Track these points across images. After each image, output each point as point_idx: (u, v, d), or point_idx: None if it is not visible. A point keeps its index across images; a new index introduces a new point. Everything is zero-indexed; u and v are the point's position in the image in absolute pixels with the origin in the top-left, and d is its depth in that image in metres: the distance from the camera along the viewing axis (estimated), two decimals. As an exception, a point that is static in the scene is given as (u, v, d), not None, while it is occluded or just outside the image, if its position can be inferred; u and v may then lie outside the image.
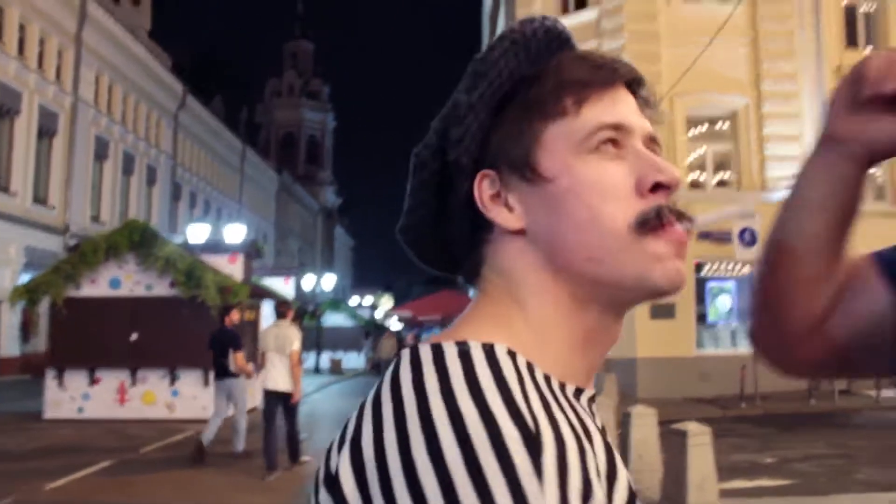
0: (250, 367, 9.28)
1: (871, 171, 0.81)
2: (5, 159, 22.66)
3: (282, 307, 8.43)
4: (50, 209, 24.79)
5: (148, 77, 31.74)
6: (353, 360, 31.98)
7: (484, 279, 0.69)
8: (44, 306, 12.77)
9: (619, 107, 0.68)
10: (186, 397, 12.69)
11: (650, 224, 0.63)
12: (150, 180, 32.69)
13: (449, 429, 0.51)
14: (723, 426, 10.21)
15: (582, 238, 0.64)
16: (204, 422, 9.81)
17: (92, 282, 12.61)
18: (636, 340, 15.39)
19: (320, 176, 70.75)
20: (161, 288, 12.57)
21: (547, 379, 0.61)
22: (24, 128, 23.30)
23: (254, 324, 14.04)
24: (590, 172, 0.64)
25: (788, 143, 16.84)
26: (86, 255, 12.43)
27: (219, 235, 15.02)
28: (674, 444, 5.71)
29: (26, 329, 21.87)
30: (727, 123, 17.84)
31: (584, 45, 0.71)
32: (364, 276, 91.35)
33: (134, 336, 12.45)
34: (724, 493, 6.07)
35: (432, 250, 0.75)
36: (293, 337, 8.05)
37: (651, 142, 0.69)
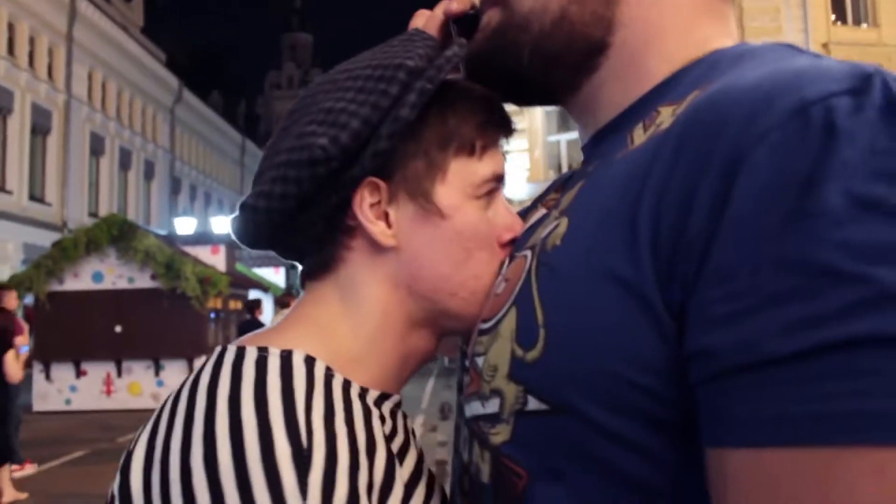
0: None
1: None
2: (0, 158, 22.81)
3: (284, 297, 8.60)
4: (47, 206, 24.94)
5: (142, 73, 31.78)
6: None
7: (323, 283, 0.69)
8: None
9: (501, 157, 0.71)
10: (172, 387, 12.69)
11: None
12: (149, 175, 32.78)
13: (227, 439, 0.52)
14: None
15: (453, 274, 0.67)
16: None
17: (75, 276, 12.72)
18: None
19: (323, 167, 70.67)
20: (143, 280, 12.67)
21: (346, 386, 0.61)
22: (18, 126, 23.40)
23: (240, 312, 14.14)
24: (474, 218, 0.67)
25: (774, 121, 16.74)
26: (66, 249, 12.54)
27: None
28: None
29: (27, 323, 22.09)
30: (713, 102, 17.75)
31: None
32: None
33: (118, 328, 12.56)
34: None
35: (269, 234, 0.70)
36: None
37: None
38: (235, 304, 14.13)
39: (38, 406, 12.66)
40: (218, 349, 0.61)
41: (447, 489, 0.72)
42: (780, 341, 0.40)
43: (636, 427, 0.47)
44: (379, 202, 0.66)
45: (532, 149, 18.71)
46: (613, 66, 0.63)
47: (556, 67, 0.64)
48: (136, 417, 11.48)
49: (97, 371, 12.79)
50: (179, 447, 0.53)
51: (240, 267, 16.74)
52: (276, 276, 19.11)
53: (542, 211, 0.69)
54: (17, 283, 12.48)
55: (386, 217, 0.67)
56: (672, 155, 0.48)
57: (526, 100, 0.71)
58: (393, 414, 0.68)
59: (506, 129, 0.71)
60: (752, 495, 0.41)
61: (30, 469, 7.39)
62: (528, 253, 0.59)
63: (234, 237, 0.73)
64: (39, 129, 24.71)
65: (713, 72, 0.56)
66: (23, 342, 6.86)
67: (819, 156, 0.41)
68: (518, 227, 0.70)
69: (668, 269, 0.46)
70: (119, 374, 12.83)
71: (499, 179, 0.69)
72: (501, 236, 0.69)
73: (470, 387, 0.62)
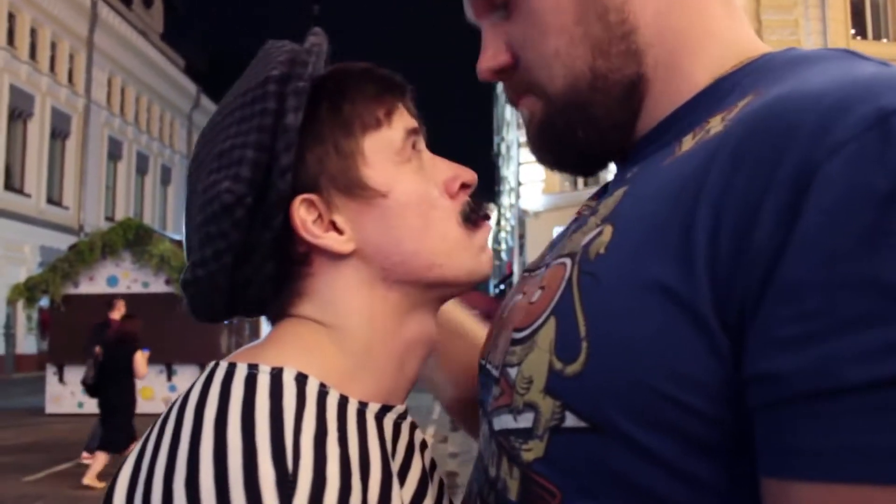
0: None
1: None
2: (19, 161, 23.07)
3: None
4: (64, 209, 25.18)
5: (161, 78, 32.09)
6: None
7: (298, 313, 0.65)
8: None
9: (411, 115, 0.70)
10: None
11: (472, 219, 0.68)
12: (165, 180, 33.07)
13: (210, 462, 0.50)
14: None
15: (421, 246, 0.65)
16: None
17: (90, 279, 12.80)
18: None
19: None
20: (157, 285, 12.72)
21: (342, 403, 0.59)
22: (38, 130, 23.68)
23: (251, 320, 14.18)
24: (413, 182, 0.66)
25: (792, 135, 16.68)
26: (82, 253, 12.63)
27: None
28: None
29: (44, 327, 22.29)
30: (731, 115, 17.72)
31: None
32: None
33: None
34: None
35: (223, 300, 0.66)
36: None
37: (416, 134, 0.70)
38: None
39: (50, 408, 12.74)
40: (210, 366, 0.57)
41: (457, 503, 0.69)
42: (858, 368, 0.37)
43: (680, 449, 0.44)
44: (320, 215, 0.64)
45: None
46: (655, 86, 0.60)
47: (610, 128, 0.62)
48: (147, 422, 11.46)
49: (110, 374, 12.83)
50: (163, 470, 0.51)
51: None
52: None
53: (575, 217, 0.66)
54: (32, 286, 12.60)
55: (334, 225, 0.64)
56: (731, 162, 0.45)
57: (598, 166, 0.68)
58: (397, 426, 0.65)
59: (397, 87, 0.69)
60: None
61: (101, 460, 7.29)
62: (568, 261, 0.56)
63: (193, 318, 0.69)
64: (59, 133, 24.98)
65: (766, 77, 0.53)
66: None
67: None
68: (462, 168, 0.70)
69: (726, 282, 0.42)
70: (132, 378, 12.87)
71: (415, 132, 0.68)
72: (449, 186, 0.68)
73: (500, 399, 0.59)
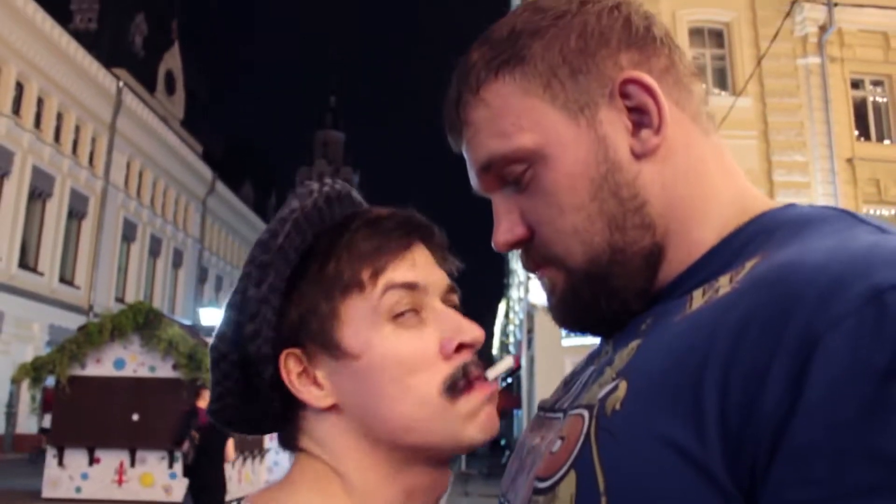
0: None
1: None
2: (35, 240, 23.38)
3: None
4: (76, 289, 25.34)
5: (178, 163, 32.79)
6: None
7: (303, 447, 0.69)
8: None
9: (417, 270, 0.68)
10: (184, 480, 12.58)
11: (459, 386, 0.65)
12: (177, 263, 33.33)
13: None
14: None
15: (395, 411, 0.65)
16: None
17: (97, 361, 12.75)
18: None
19: (348, 261, 71.34)
20: (164, 370, 12.65)
21: None
22: (55, 210, 24.10)
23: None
24: (392, 345, 0.65)
25: (800, 233, 16.73)
26: (91, 334, 12.61)
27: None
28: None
29: (46, 407, 22.09)
30: (739, 213, 17.83)
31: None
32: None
33: (135, 416, 12.47)
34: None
35: (248, 427, 0.75)
36: None
37: (450, 292, 0.71)
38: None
39: (47, 492, 12.46)
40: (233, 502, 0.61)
41: None
42: None
43: None
44: (305, 369, 0.67)
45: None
46: (667, 252, 0.64)
47: (632, 296, 0.64)
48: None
49: (110, 459, 12.62)
50: None
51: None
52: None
53: (592, 366, 0.68)
54: (39, 366, 12.55)
55: (316, 380, 0.67)
56: (739, 327, 0.48)
57: (618, 328, 0.68)
58: None
59: (402, 238, 0.69)
60: None
61: None
62: (585, 413, 0.58)
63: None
64: (76, 214, 25.39)
65: (770, 239, 0.58)
66: None
67: None
68: (467, 325, 0.68)
69: (737, 444, 0.45)
70: (133, 463, 12.65)
71: (410, 287, 0.67)
72: (445, 346, 0.66)
73: None
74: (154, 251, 30.95)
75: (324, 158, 73.83)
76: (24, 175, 22.44)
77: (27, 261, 22.95)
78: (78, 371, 12.60)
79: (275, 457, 15.06)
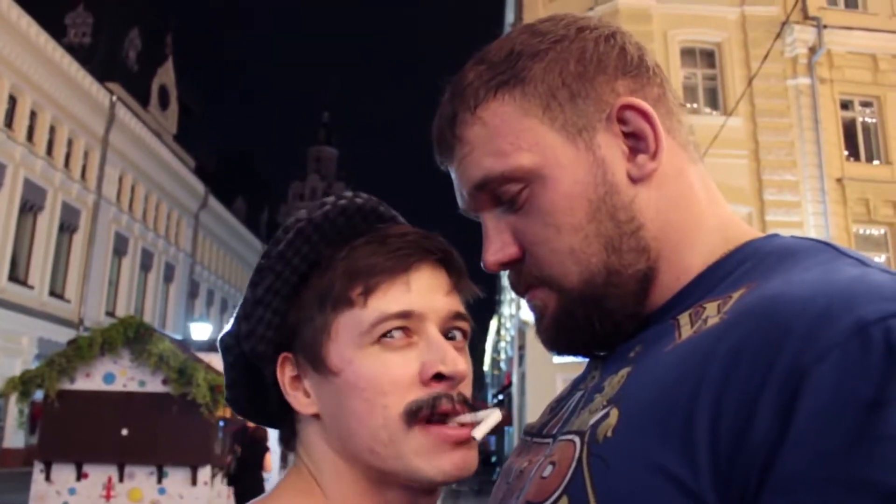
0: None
1: None
2: (25, 253, 23.26)
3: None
4: (66, 302, 25.20)
5: (171, 178, 32.76)
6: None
7: (296, 451, 0.72)
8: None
9: (412, 294, 0.68)
10: (173, 496, 12.47)
11: (421, 413, 0.65)
12: (168, 277, 33.21)
13: None
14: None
15: (362, 430, 0.66)
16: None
17: (87, 375, 12.65)
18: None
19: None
20: (154, 384, 12.55)
21: None
22: (46, 223, 24.01)
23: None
24: (370, 366, 0.66)
25: (790, 252, 16.80)
26: (81, 349, 12.52)
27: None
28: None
29: (35, 421, 21.90)
30: (730, 231, 17.89)
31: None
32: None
33: (124, 431, 12.38)
34: None
35: (259, 417, 0.77)
36: None
37: (455, 319, 0.70)
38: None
39: (34, 508, 12.33)
40: None
41: None
42: None
43: None
44: (298, 375, 0.70)
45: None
46: (658, 276, 0.65)
47: (625, 318, 0.65)
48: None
49: (98, 474, 12.50)
50: None
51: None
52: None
53: (579, 391, 0.69)
54: (28, 379, 12.46)
55: (304, 388, 0.70)
56: (729, 358, 0.50)
57: (607, 349, 0.69)
58: None
59: (405, 260, 0.68)
60: None
61: None
62: (576, 439, 0.58)
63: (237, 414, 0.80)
64: (67, 227, 25.30)
65: (756, 269, 0.59)
66: None
67: (881, 379, 0.43)
68: (450, 357, 0.66)
69: (727, 472, 0.47)
70: (121, 478, 12.53)
71: (404, 315, 0.67)
72: (422, 372, 0.66)
73: None
74: (145, 265, 30.84)
75: (317, 174, 73.82)
76: (16, 188, 22.37)
77: (17, 274, 22.82)
78: (67, 385, 12.50)
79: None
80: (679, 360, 0.55)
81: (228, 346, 0.74)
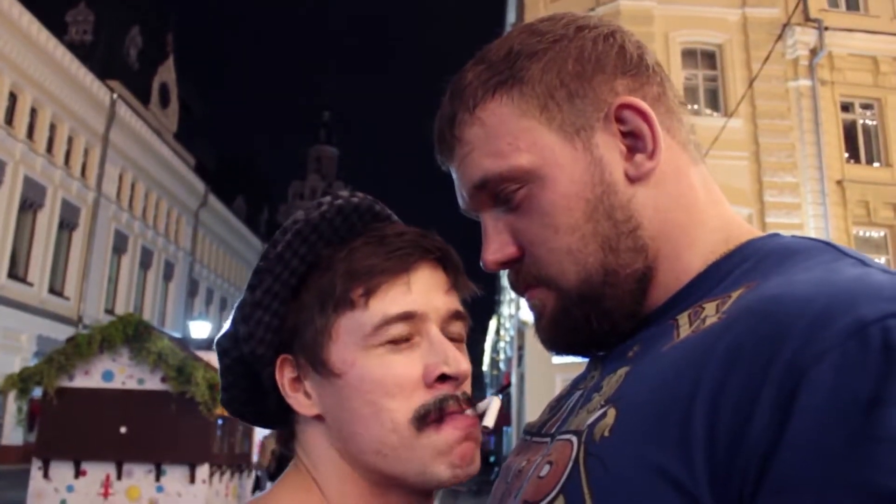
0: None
1: None
2: (25, 250, 23.26)
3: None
4: (65, 300, 25.19)
5: (171, 176, 32.76)
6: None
7: (295, 452, 0.72)
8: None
9: (413, 294, 0.68)
10: (171, 494, 12.48)
11: (430, 417, 0.65)
12: (167, 275, 33.20)
13: None
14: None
15: (367, 433, 0.66)
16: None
17: (85, 373, 12.65)
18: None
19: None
20: (153, 382, 12.56)
21: None
22: (46, 220, 24.00)
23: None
24: (375, 369, 0.66)
25: (790, 254, 16.81)
26: (80, 346, 12.52)
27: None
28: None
29: (33, 418, 21.89)
30: (729, 233, 17.91)
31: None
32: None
33: (123, 429, 12.38)
34: None
35: (257, 419, 0.77)
36: None
37: (454, 318, 0.71)
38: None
39: (32, 505, 12.33)
40: None
41: None
42: None
43: None
44: (298, 377, 0.70)
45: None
46: (657, 275, 0.65)
47: (623, 317, 0.65)
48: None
49: (97, 472, 12.50)
50: None
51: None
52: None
53: (579, 390, 0.69)
54: (27, 377, 12.45)
55: (305, 390, 0.69)
56: (727, 358, 0.49)
57: (605, 349, 0.69)
58: None
59: (405, 262, 0.68)
60: None
61: None
62: (574, 439, 0.58)
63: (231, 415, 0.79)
64: (66, 225, 25.29)
65: (756, 269, 0.59)
66: None
67: (879, 379, 0.43)
68: (453, 357, 0.67)
69: (724, 472, 0.47)
70: (119, 476, 12.53)
71: (405, 317, 0.67)
72: (426, 374, 0.66)
73: None
74: (145, 263, 30.84)
75: (317, 173, 73.80)
76: (16, 185, 22.36)
77: (17, 271, 22.81)
78: (66, 382, 12.50)
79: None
80: (677, 359, 0.54)
81: (226, 348, 0.73)
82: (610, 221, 0.64)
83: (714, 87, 17.05)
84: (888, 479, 0.41)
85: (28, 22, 22.34)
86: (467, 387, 0.69)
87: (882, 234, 16.56)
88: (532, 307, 0.70)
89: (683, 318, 0.59)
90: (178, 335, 14.39)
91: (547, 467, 0.60)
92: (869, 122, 17.80)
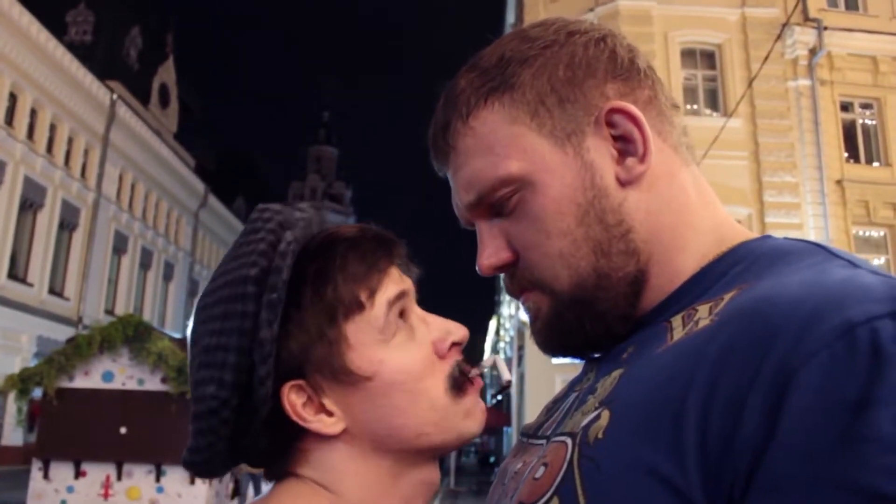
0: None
1: None
2: (25, 250, 23.26)
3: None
4: (65, 300, 25.19)
5: (171, 176, 32.77)
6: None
7: (294, 473, 0.69)
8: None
9: (397, 280, 0.71)
10: (171, 494, 12.49)
11: (460, 384, 0.70)
12: (167, 276, 33.21)
13: None
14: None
15: (409, 421, 0.67)
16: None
17: (85, 374, 12.66)
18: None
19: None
20: (153, 383, 12.56)
21: None
22: (46, 221, 24.01)
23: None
24: (402, 358, 0.67)
25: (790, 254, 16.82)
26: (80, 347, 12.53)
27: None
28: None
29: (33, 419, 21.89)
30: (729, 233, 17.91)
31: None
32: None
33: (123, 430, 12.39)
34: None
35: (223, 469, 0.71)
36: None
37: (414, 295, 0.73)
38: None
39: (32, 505, 12.34)
40: None
41: None
42: None
43: None
44: (310, 398, 0.67)
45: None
46: (650, 278, 0.66)
47: (616, 320, 0.66)
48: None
49: (97, 472, 12.51)
50: None
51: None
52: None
53: (574, 392, 0.69)
54: (27, 377, 12.46)
55: (324, 408, 0.67)
56: (718, 360, 0.50)
57: (600, 351, 0.70)
58: None
59: (386, 250, 0.70)
60: None
61: None
62: (568, 440, 0.59)
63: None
64: (66, 225, 25.30)
65: (748, 271, 0.60)
66: None
67: (867, 380, 0.44)
68: (453, 325, 0.71)
69: (716, 471, 0.47)
70: (119, 477, 12.55)
71: (401, 297, 0.69)
72: (439, 347, 0.70)
73: None
74: (145, 264, 30.85)
75: (317, 173, 73.73)
76: (16, 185, 22.37)
77: (16, 271, 22.82)
78: (66, 383, 12.50)
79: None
80: (669, 361, 0.55)
81: (224, 400, 0.65)
82: (601, 225, 0.64)
83: (713, 86, 17.05)
84: (875, 479, 0.42)
85: (28, 22, 22.35)
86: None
87: (882, 233, 16.57)
88: (527, 310, 0.71)
89: (677, 321, 0.60)
90: (178, 336, 14.36)
91: (542, 469, 0.60)
92: (868, 122, 17.81)
